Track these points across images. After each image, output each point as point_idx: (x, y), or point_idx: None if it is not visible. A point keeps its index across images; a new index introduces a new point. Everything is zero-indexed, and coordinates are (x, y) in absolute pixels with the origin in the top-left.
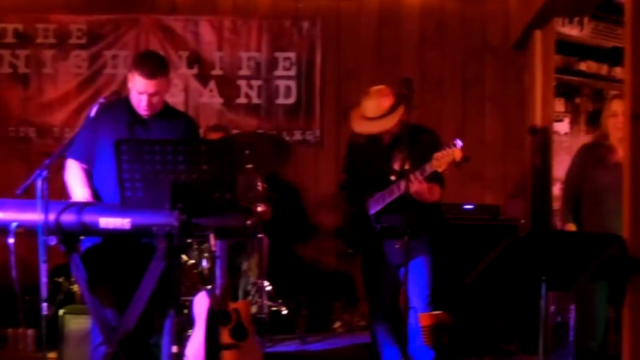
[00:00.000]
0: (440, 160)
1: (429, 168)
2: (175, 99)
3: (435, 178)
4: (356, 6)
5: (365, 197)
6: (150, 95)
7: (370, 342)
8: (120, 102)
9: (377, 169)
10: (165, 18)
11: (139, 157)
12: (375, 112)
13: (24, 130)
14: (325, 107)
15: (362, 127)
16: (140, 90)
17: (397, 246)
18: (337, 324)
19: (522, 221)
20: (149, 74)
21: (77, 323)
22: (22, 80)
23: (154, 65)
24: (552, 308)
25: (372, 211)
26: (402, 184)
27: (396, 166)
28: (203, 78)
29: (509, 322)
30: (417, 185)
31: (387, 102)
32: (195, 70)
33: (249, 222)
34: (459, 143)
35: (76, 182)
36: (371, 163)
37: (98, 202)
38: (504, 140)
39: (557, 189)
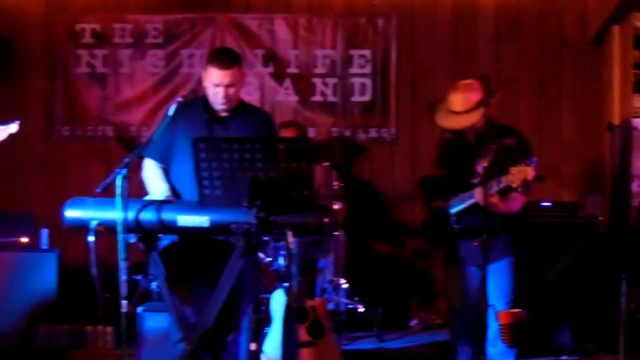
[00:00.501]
0: (515, 176)
1: (504, 181)
2: (251, 97)
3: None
4: (431, 2)
5: (448, 196)
6: (226, 87)
7: (447, 340)
8: (198, 101)
9: (461, 168)
10: (240, 16)
11: (217, 155)
12: (462, 106)
13: (102, 129)
14: (400, 104)
15: (446, 121)
16: (215, 83)
17: (475, 244)
18: (413, 322)
19: (601, 218)
20: (223, 65)
21: (155, 321)
22: (99, 80)
23: (227, 57)
24: (632, 306)
25: (453, 211)
26: (477, 193)
27: (479, 169)
28: (278, 76)
29: (587, 320)
30: (490, 197)
31: (475, 96)
32: (270, 69)
33: (326, 219)
34: (533, 161)
35: (154, 178)
36: (456, 162)
37: (177, 200)
38: (581, 137)
39: (635, 186)
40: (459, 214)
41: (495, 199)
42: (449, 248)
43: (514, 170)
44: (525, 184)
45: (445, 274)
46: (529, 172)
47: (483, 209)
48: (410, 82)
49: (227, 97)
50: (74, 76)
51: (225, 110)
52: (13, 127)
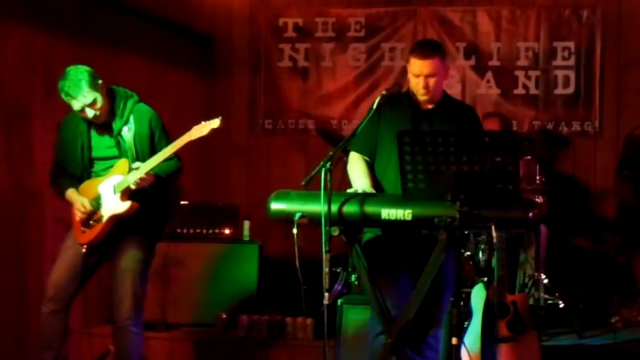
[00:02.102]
0: None
1: None
2: (453, 90)
3: None
4: None
5: None
6: (427, 77)
7: None
8: (402, 95)
9: None
10: (442, 9)
11: (421, 149)
12: None
13: (303, 122)
14: (604, 97)
15: None
16: (416, 73)
17: None
18: (614, 319)
19: None
20: (423, 55)
21: (355, 313)
22: (301, 74)
23: (428, 47)
24: None
25: None
26: None
27: None
28: (480, 69)
29: None
30: None
31: None
32: (472, 62)
33: (531, 214)
34: None
35: (357, 173)
36: None
37: (379, 193)
38: None
39: None
40: None
41: None
42: None
43: None
44: None
45: None
46: None
47: None
48: (616, 74)
49: (427, 88)
50: (276, 70)
51: (428, 102)
52: (215, 123)
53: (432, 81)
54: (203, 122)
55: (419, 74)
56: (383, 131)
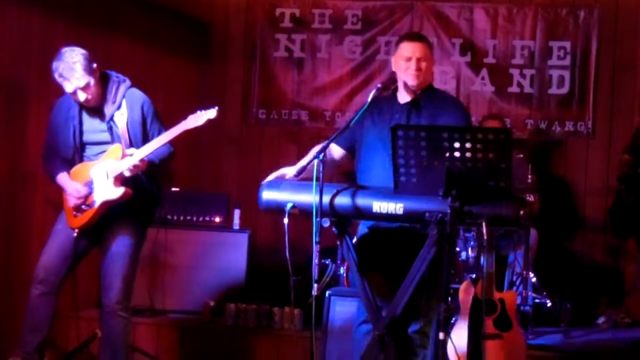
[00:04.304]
0: None
1: None
2: (447, 86)
3: None
4: None
5: None
6: (419, 60)
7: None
8: (391, 90)
9: None
10: (440, 4)
11: (415, 143)
12: None
13: (297, 113)
14: (598, 98)
15: None
16: (408, 56)
17: None
18: (601, 320)
19: None
20: (414, 38)
21: (342, 305)
22: (296, 64)
23: (417, 34)
24: None
25: None
26: None
27: None
28: (475, 66)
29: None
30: None
31: None
32: (467, 58)
33: (522, 212)
34: None
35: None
36: None
37: (372, 186)
38: None
39: None
40: None
41: None
42: None
43: None
44: None
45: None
46: None
47: None
48: (610, 76)
49: (419, 70)
50: (272, 60)
51: (418, 87)
52: (212, 113)
53: (423, 65)
54: (199, 112)
55: (411, 57)
56: (367, 126)
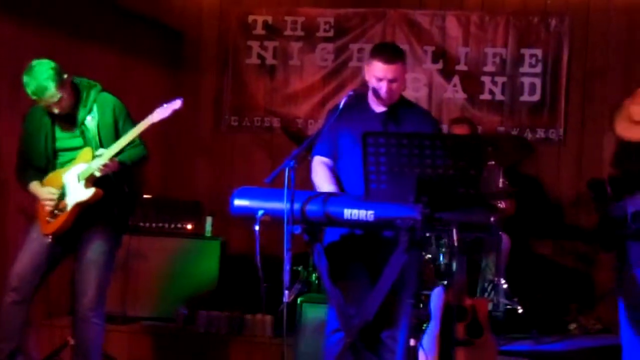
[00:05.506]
0: None
1: None
2: (419, 93)
3: None
4: (606, 3)
5: (625, 195)
6: (390, 82)
7: (606, 345)
8: (364, 96)
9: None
10: (412, 12)
11: (386, 150)
12: None
13: (269, 120)
14: (570, 105)
15: (628, 132)
16: (379, 77)
17: None
18: (572, 326)
19: None
20: (388, 59)
21: (314, 312)
22: (269, 72)
23: (392, 52)
24: None
25: (631, 210)
26: None
27: None
28: (447, 73)
29: None
30: None
31: None
32: (439, 65)
33: (492, 218)
34: None
35: (323, 179)
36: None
37: (342, 193)
38: None
39: None
40: (636, 213)
41: None
42: (620, 252)
43: None
44: None
45: (616, 278)
46: None
47: None
48: (581, 83)
49: (390, 92)
50: (244, 67)
51: (385, 105)
52: (177, 104)
53: (394, 85)
54: (165, 105)
55: (382, 78)
56: (347, 131)
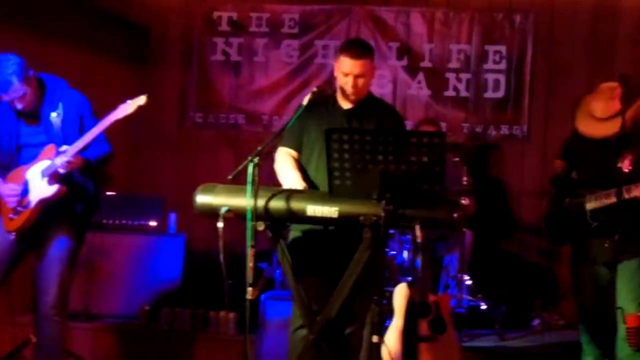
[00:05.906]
0: None
1: None
2: (384, 90)
3: None
4: (571, 0)
5: (583, 192)
6: (356, 78)
7: (570, 341)
8: (330, 93)
9: (600, 165)
10: (377, 9)
11: (349, 147)
12: (605, 113)
13: (234, 117)
14: (534, 102)
15: (589, 129)
16: (346, 72)
17: (606, 245)
18: (536, 322)
19: None
20: (355, 55)
21: (278, 309)
22: (233, 68)
23: (360, 48)
24: None
25: (590, 207)
26: (634, 189)
27: (624, 167)
28: (412, 70)
29: None
30: None
31: (618, 103)
32: (404, 62)
33: (456, 215)
34: None
35: (286, 166)
36: (593, 158)
37: (306, 190)
38: None
39: None
40: (595, 211)
41: None
42: (579, 246)
43: None
44: None
45: (574, 273)
46: None
47: (620, 207)
48: (546, 80)
49: (356, 88)
50: (209, 64)
51: (354, 100)
52: (141, 99)
53: (361, 81)
54: (129, 101)
55: (349, 74)
56: (311, 128)
